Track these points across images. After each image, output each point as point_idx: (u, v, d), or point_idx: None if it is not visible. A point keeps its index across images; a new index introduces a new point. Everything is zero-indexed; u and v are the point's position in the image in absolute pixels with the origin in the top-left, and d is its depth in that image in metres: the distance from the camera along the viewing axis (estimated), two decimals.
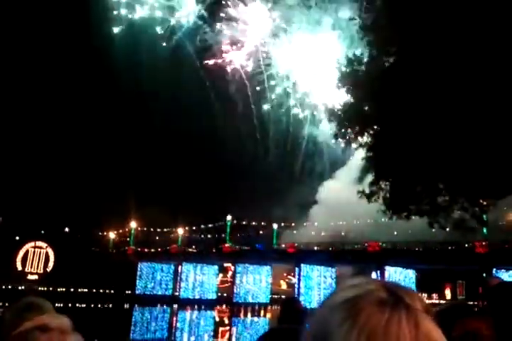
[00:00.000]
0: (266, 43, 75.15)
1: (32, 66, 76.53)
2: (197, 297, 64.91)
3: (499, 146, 14.53)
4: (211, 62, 73.90)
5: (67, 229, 77.89)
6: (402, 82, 15.57)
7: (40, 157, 76.28)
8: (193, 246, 69.96)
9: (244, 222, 70.89)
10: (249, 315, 58.51)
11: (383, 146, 16.85)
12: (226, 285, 71.48)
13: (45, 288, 64.92)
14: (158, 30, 73.96)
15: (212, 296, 66.11)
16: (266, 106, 78.17)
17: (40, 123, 77.23)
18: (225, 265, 71.32)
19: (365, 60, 17.73)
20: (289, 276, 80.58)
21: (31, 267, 72.18)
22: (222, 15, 72.12)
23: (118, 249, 73.50)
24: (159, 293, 67.11)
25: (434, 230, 18.63)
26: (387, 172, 16.94)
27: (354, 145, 19.04)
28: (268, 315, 56.93)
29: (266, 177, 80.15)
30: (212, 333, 44.38)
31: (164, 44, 74.25)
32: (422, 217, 17.46)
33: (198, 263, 66.24)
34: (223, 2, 70.83)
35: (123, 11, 71.55)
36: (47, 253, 73.61)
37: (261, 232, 70.31)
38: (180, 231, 70.98)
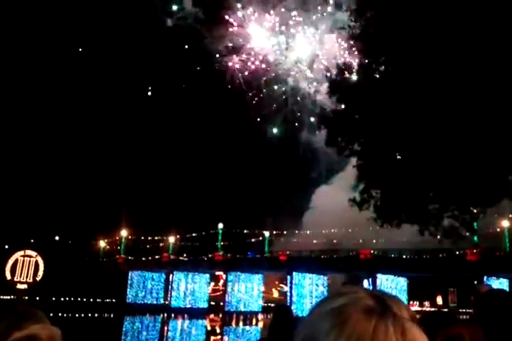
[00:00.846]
0: (264, 47, 75.81)
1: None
2: (188, 306, 64.51)
3: (489, 154, 14.65)
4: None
5: (57, 238, 77.27)
6: (391, 90, 15.70)
7: (30, 165, 75.89)
8: (184, 255, 69.60)
9: (235, 230, 70.64)
10: (241, 323, 58.17)
11: (373, 154, 16.94)
12: (218, 293, 71.12)
13: (35, 298, 64.21)
14: None
15: (204, 305, 65.72)
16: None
17: (28, 131, 76.92)
18: (217, 273, 70.98)
19: (356, 68, 17.87)
20: (280, 284, 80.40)
21: (20, 276, 71.33)
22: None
23: (109, 257, 72.95)
24: (150, 301, 66.63)
25: (425, 238, 18.68)
26: (378, 181, 17.01)
27: (346, 153, 19.09)
28: (260, 324, 56.65)
29: (259, 184, 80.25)
30: None
31: None
32: (413, 225, 17.52)
33: (190, 272, 65.91)
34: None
35: None
36: (36, 262, 72.53)
37: (253, 240, 70.12)
38: (172, 239, 70.62)
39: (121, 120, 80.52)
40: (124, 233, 72.93)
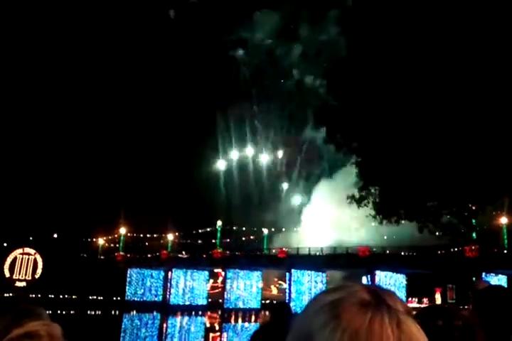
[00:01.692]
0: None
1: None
2: (187, 303, 64.55)
3: (488, 152, 14.65)
4: None
5: (55, 236, 77.24)
6: (391, 88, 15.68)
7: (28, 163, 75.74)
8: (183, 252, 69.62)
9: (234, 228, 70.72)
10: (239, 320, 58.26)
11: (372, 151, 16.93)
12: (217, 290, 71.20)
13: (34, 295, 64.22)
14: None
15: (203, 302, 65.78)
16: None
17: (26, 129, 76.72)
18: (216, 270, 71.02)
19: (353, 67, 17.83)
20: (279, 282, 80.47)
21: (19, 274, 71.40)
22: None
23: (107, 255, 72.96)
24: (149, 299, 66.65)
25: (423, 235, 18.71)
26: (377, 178, 17.01)
27: (344, 150, 19.10)
28: (259, 321, 56.73)
29: (258, 182, 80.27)
30: (202, 339, 44.12)
31: None
32: (412, 222, 17.55)
33: (188, 269, 65.92)
34: None
35: None
36: (35, 259, 72.82)
37: (252, 237, 70.17)
38: (170, 236, 70.63)
39: (121, 117, 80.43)
40: (122, 230, 72.93)
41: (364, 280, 49.51)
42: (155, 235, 74.02)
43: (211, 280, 72.70)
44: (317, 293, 0.88)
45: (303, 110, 77.17)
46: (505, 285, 36.55)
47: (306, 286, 57.48)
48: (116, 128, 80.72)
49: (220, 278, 70.63)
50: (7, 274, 70.41)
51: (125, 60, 77.44)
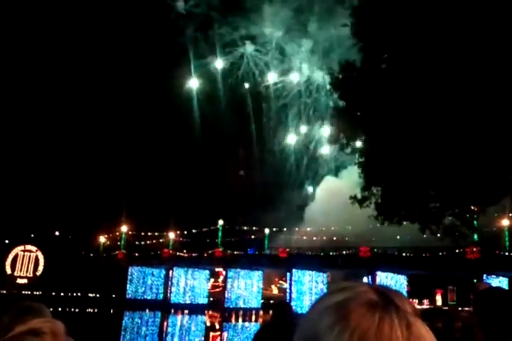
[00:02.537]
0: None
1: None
2: (188, 301, 64.60)
3: (489, 154, 14.63)
4: None
5: (57, 233, 77.35)
6: (393, 88, 15.66)
7: (30, 160, 75.85)
8: (185, 251, 69.64)
9: (236, 227, 70.70)
10: (240, 320, 58.31)
11: (375, 152, 16.92)
12: (217, 289, 71.21)
13: (35, 292, 64.39)
14: None
15: (204, 301, 65.83)
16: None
17: (27, 126, 76.86)
18: (217, 270, 71.07)
19: (358, 66, 17.81)
20: (280, 281, 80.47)
21: (21, 271, 71.60)
22: None
23: (108, 252, 73.02)
24: (150, 297, 66.70)
25: (425, 236, 18.70)
26: (379, 178, 17.00)
27: (347, 150, 19.10)
28: (260, 320, 56.78)
29: (260, 179, 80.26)
30: (203, 338, 44.22)
31: None
32: (414, 223, 17.53)
33: (189, 268, 65.96)
34: None
35: None
36: (36, 256, 73.01)
37: (253, 237, 70.17)
38: (172, 235, 70.68)
39: (122, 115, 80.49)
40: (124, 228, 73.01)
41: (365, 280, 49.47)
42: (156, 233, 74.04)
43: (212, 279, 72.73)
44: (323, 294, 0.87)
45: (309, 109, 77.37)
46: (507, 287, 36.49)
47: (306, 286, 57.48)
48: (118, 126, 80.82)
49: (221, 277, 70.63)
50: (8, 271, 70.62)
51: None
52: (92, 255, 72.64)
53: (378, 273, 52.27)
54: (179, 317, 59.12)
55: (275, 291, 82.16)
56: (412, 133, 15.48)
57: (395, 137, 15.90)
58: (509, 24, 13.47)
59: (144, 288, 67.18)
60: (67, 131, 79.60)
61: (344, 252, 56.97)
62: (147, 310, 60.20)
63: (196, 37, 78.20)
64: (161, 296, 66.84)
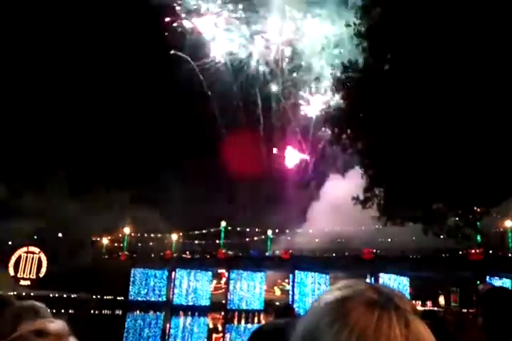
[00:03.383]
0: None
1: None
2: (190, 303, 64.59)
3: (493, 155, 14.59)
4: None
5: (60, 235, 77.45)
6: (396, 89, 15.64)
7: (34, 159, 75.95)
8: (187, 252, 69.66)
9: (238, 228, 70.70)
10: (242, 321, 58.25)
11: (377, 153, 16.89)
12: (220, 291, 71.17)
13: (38, 294, 64.43)
14: None
15: (206, 303, 65.80)
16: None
17: (30, 123, 77.06)
18: (219, 271, 71.04)
19: (360, 66, 17.79)
20: (283, 283, 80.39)
21: (24, 272, 71.71)
22: None
23: (111, 254, 73.09)
24: (153, 299, 66.72)
25: (428, 237, 18.64)
26: (382, 179, 16.97)
27: (350, 152, 19.04)
28: (262, 322, 56.68)
29: (263, 181, 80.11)
30: (205, 340, 44.17)
31: None
32: (417, 224, 17.49)
33: (192, 270, 65.96)
34: None
35: None
36: (39, 258, 73.15)
37: (255, 238, 70.11)
38: (174, 237, 70.71)
39: (124, 115, 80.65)
40: (127, 230, 73.07)
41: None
42: (159, 235, 74.12)
43: (214, 281, 72.71)
44: (323, 292, 0.87)
45: None
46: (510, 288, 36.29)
47: (309, 288, 57.40)
48: (121, 125, 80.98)
49: (224, 279, 70.60)
50: (12, 273, 70.73)
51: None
52: (94, 257, 72.68)
53: (381, 274, 52.16)
54: (181, 318, 59.09)
55: (278, 293, 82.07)
56: (415, 134, 15.43)
57: (398, 138, 15.85)
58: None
59: (146, 290, 67.19)
60: (71, 132, 79.87)
61: (347, 254, 56.89)
62: (150, 312, 60.20)
63: None
64: (163, 298, 66.87)
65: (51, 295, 60.05)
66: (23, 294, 55.38)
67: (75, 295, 64.17)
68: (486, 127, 14.31)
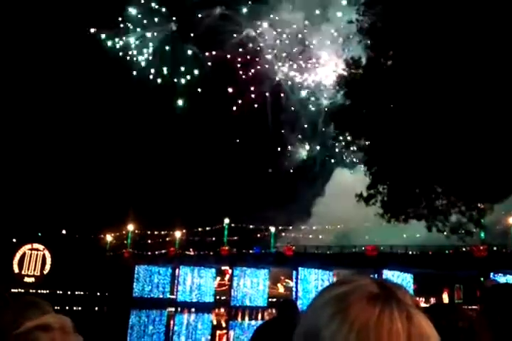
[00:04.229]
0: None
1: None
2: (194, 300, 64.76)
3: (496, 150, 14.55)
4: None
5: (64, 232, 77.68)
6: (399, 85, 15.60)
7: (37, 160, 76.17)
8: (191, 249, 69.78)
9: (242, 225, 70.74)
10: (246, 318, 58.37)
11: (380, 150, 16.86)
12: (223, 288, 71.37)
13: (43, 291, 64.70)
14: None
15: (210, 299, 65.96)
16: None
17: (35, 125, 77.15)
18: (223, 268, 71.15)
19: (364, 63, 17.74)
20: (286, 280, 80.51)
21: (28, 269, 71.95)
22: None
23: (115, 251, 73.29)
24: (156, 296, 66.95)
25: (431, 234, 18.61)
26: (385, 176, 16.94)
27: (353, 148, 19.01)
28: (266, 319, 56.74)
29: (266, 178, 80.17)
30: (209, 336, 44.25)
31: None
32: (420, 221, 17.46)
33: (196, 266, 66.10)
34: None
35: None
36: (44, 255, 73.37)
37: (259, 235, 70.19)
38: (178, 234, 70.81)
39: (127, 115, 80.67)
40: (130, 227, 73.23)
41: None
42: (163, 232, 74.24)
43: (218, 278, 72.86)
44: (324, 287, 0.87)
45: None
46: None
47: (312, 284, 57.46)
48: (124, 125, 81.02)
49: (227, 276, 70.76)
50: (16, 270, 70.99)
51: None
52: (98, 254, 72.89)
53: (385, 271, 52.17)
54: (185, 315, 59.26)
55: (281, 290, 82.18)
56: (417, 130, 15.40)
57: (401, 134, 15.82)
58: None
59: (150, 287, 67.40)
60: (74, 131, 79.91)
61: (351, 250, 56.89)
62: (154, 309, 60.40)
63: None
64: (167, 295, 67.08)
65: (55, 292, 60.33)
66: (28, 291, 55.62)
67: (79, 293, 64.41)
68: (490, 123, 14.28)
